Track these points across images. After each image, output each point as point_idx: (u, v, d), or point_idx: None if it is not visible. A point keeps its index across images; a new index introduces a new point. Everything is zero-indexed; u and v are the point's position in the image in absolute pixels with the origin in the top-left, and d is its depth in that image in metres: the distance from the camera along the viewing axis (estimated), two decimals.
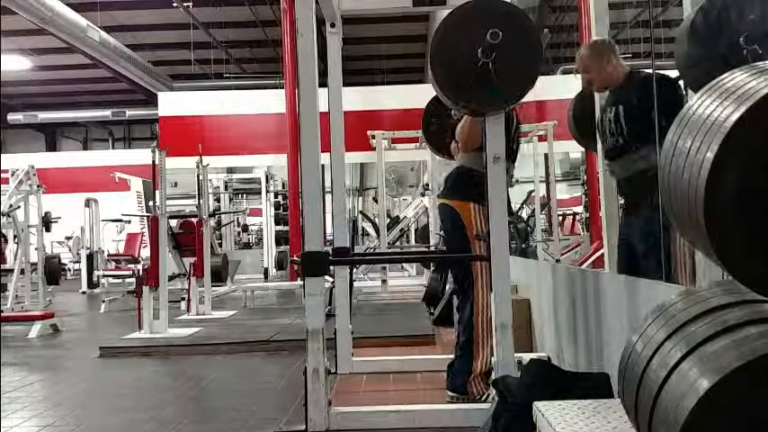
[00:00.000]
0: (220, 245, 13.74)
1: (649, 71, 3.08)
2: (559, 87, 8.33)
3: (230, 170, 15.76)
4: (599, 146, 3.47)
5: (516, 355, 3.06)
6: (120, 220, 13.97)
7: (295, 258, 9.84)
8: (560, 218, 10.36)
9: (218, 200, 15.19)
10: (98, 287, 12.09)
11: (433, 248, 8.73)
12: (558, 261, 7.89)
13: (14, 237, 9.67)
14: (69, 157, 19.25)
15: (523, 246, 8.96)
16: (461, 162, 3.60)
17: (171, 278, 7.25)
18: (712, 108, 1.28)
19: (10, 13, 9.94)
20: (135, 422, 3.56)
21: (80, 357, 5.65)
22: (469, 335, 3.41)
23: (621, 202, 3.62)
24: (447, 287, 6.02)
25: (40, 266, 8.27)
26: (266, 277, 13.00)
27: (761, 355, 1.20)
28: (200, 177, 8.80)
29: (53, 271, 9.61)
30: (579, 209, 11.51)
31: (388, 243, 10.06)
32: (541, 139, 8.76)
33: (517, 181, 9.91)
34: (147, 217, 9.14)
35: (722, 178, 1.20)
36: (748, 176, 1.20)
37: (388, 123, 11.09)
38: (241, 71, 16.69)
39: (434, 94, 3.31)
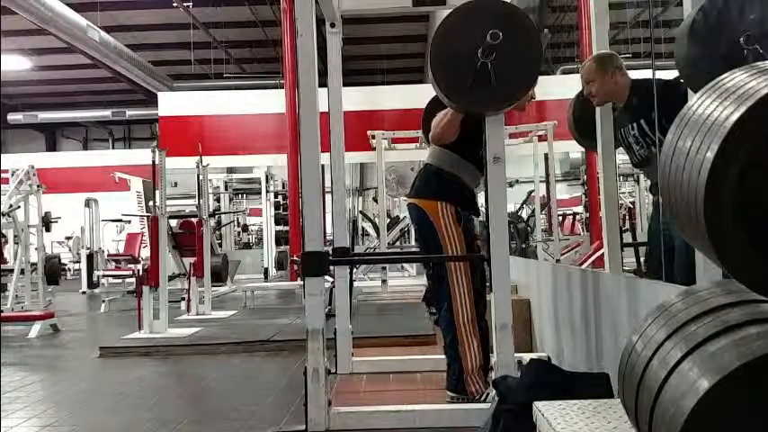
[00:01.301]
0: (220, 245, 13.73)
1: (649, 77, 3.08)
2: (559, 87, 8.33)
3: (230, 170, 15.74)
4: (598, 146, 3.47)
5: (516, 355, 3.07)
6: (120, 220, 13.96)
7: (295, 258, 9.84)
8: (560, 218, 10.35)
9: (218, 200, 15.17)
10: (98, 287, 12.09)
11: None
12: (558, 261, 7.89)
13: (14, 237, 9.66)
14: (69, 157, 19.20)
15: (523, 246, 8.96)
16: (429, 160, 3.56)
17: (171, 278, 7.25)
18: (712, 108, 1.28)
19: (10, 13, 9.94)
20: (135, 422, 3.56)
21: (80, 357, 5.65)
22: (453, 336, 3.38)
23: (652, 200, 3.65)
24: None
25: (40, 266, 8.26)
26: (266, 277, 12.99)
27: (761, 355, 1.20)
28: (201, 177, 8.80)
29: (53, 271, 9.59)
30: (579, 209, 11.50)
31: (388, 243, 10.05)
32: (541, 139, 8.75)
33: (517, 181, 9.90)
34: (147, 217, 9.14)
35: (722, 178, 1.20)
36: (748, 176, 1.20)
37: (388, 123, 11.06)
38: (241, 71, 16.68)
39: (434, 94, 3.31)
